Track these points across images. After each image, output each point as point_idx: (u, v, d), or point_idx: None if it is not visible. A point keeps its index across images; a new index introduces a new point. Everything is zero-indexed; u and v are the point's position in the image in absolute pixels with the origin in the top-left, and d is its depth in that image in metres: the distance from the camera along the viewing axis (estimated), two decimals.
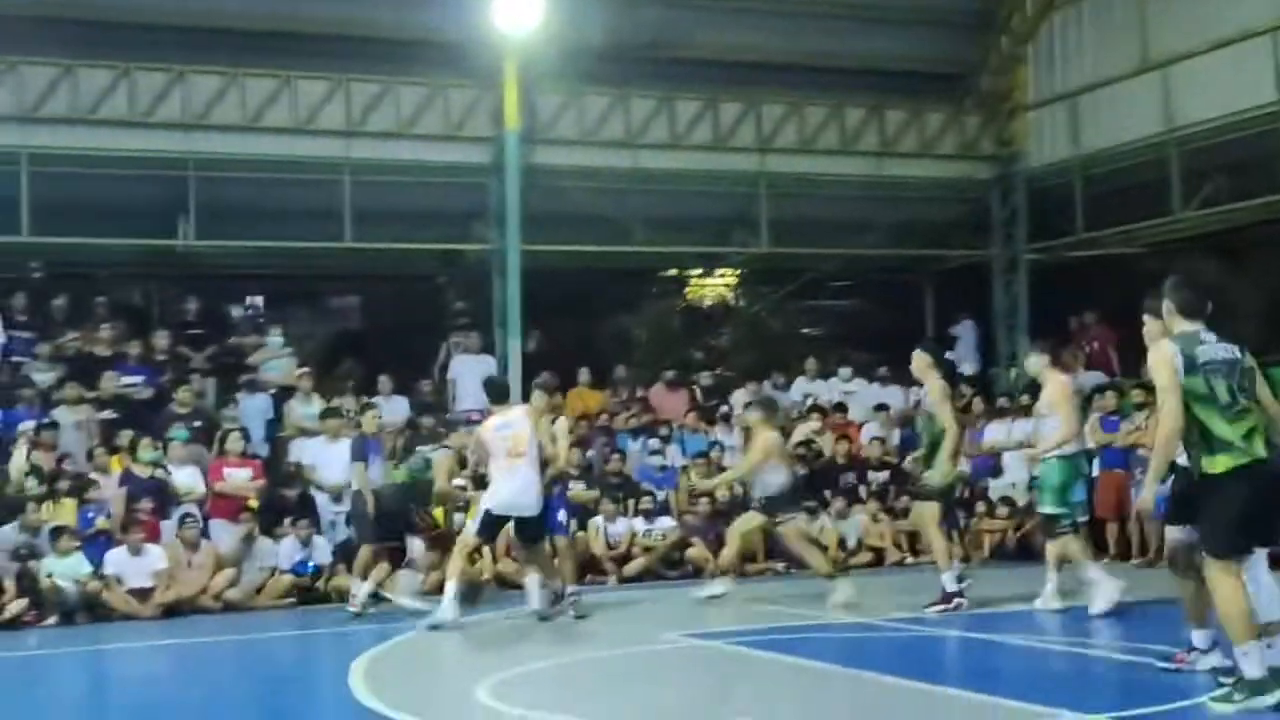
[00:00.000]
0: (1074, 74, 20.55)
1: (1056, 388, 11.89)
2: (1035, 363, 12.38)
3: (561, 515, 13.18)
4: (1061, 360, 12.69)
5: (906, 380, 19.74)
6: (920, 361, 12.32)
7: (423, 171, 18.72)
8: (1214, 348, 7.44)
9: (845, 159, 20.78)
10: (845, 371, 19.72)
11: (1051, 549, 11.87)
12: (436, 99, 18.87)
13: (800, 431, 18.10)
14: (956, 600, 11.80)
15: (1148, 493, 7.81)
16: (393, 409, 17.29)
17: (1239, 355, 7.51)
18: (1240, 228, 19.22)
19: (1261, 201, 18.21)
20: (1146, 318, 8.39)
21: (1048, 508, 11.88)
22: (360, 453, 14.04)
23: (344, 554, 14.58)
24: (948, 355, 21.16)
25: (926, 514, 12.36)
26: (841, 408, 18.83)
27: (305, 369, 17.52)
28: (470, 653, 10.98)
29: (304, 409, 16.78)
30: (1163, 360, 7.40)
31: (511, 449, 12.07)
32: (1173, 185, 18.81)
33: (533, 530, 12.44)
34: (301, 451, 16.21)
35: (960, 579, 12.01)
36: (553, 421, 13.29)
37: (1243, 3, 17.79)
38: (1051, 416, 11.86)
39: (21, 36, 16.68)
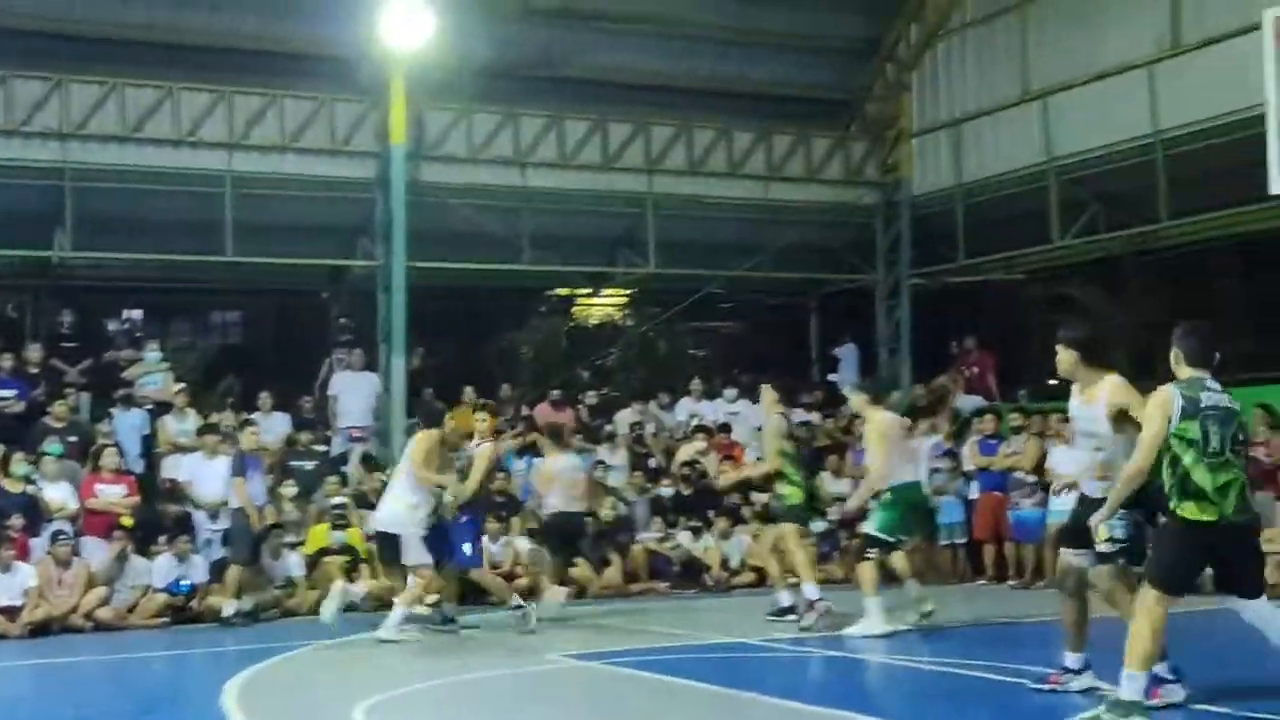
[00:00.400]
0: (957, 102, 20.90)
1: (873, 426, 12.02)
2: (855, 400, 12.52)
3: (466, 547, 12.64)
4: (882, 398, 12.76)
5: (790, 402, 19.92)
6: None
7: (307, 186, 18.51)
8: (1217, 395, 7.63)
9: (733, 182, 20.93)
10: (730, 393, 19.79)
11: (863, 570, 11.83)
12: (322, 113, 18.67)
13: (685, 452, 18.14)
14: (820, 604, 11.90)
15: (1104, 513, 7.91)
16: (272, 426, 17.04)
17: (1236, 407, 7.73)
18: (1117, 256, 19.68)
19: (1137, 231, 18.66)
20: (1061, 348, 8.46)
21: (868, 528, 12.00)
22: (239, 469, 13.82)
23: (219, 572, 14.29)
24: (830, 377, 21.47)
25: (787, 533, 12.46)
26: (726, 428, 18.88)
27: (182, 385, 17.18)
28: (350, 673, 10.80)
29: (180, 425, 16.45)
30: (1161, 403, 7.56)
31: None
32: (1052, 214, 19.17)
33: (389, 550, 12.32)
34: (177, 468, 15.89)
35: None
36: (476, 445, 12.94)
37: (1121, 36, 18.21)
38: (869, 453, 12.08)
39: None
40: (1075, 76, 18.83)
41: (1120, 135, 18.21)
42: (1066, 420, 16.04)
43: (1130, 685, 7.37)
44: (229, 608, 13.66)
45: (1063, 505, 15.79)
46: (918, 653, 11.06)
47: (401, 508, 12.19)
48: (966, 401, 19.44)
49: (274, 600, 14.33)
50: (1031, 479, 16.14)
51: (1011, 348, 21.05)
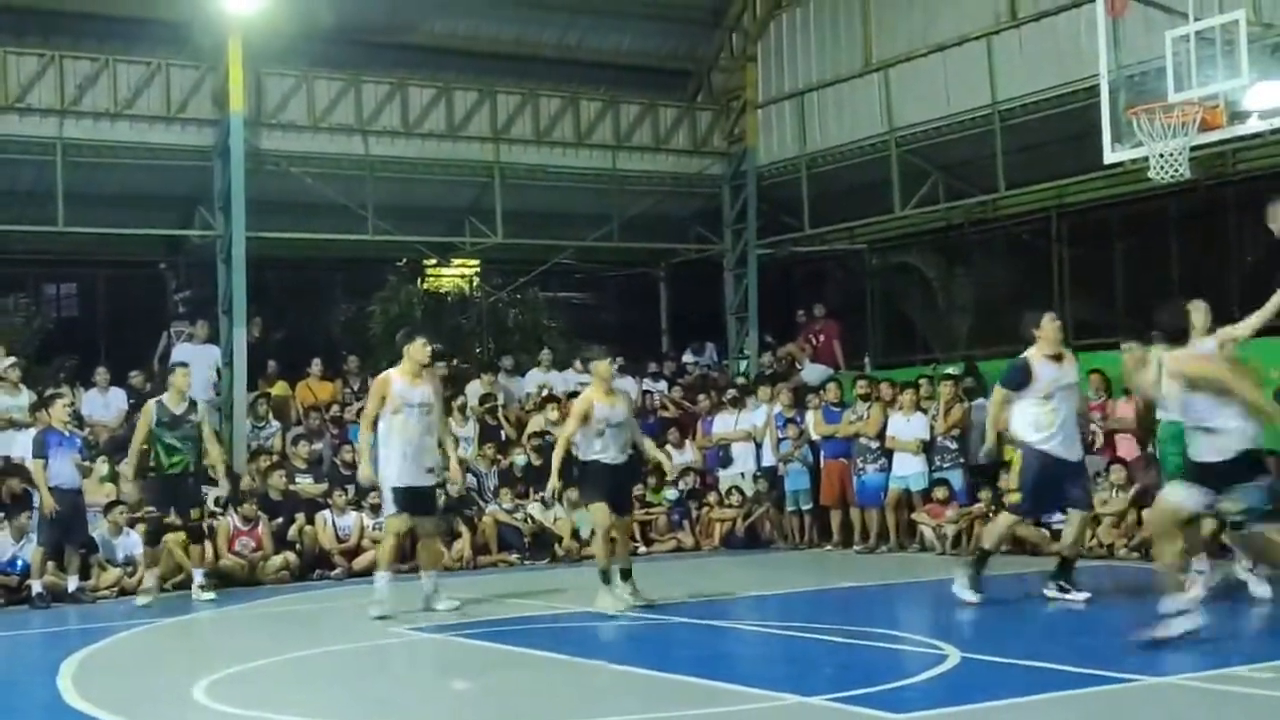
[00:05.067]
0: (801, 73, 21.06)
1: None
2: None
3: None
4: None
5: (639, 372, 20.02)
6: None
7: (142, 154, 18.00)
8: None
9: (581, 151, 20.87)
10: (580, 363, 19.77)
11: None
12: (157, 78, 18.14)
13: (535, 422, 18.09)
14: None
15: None
16: (111, 401, 16.59)
17: None
18: (956, 225, 20.08)
19: (976, 200, 19.05)
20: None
21: None
22: (40, 449, 13.31)
23: (54, 551, 13.86)
24: (687, 358, 21.57)
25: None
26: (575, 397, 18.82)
27: (13, 359, 16.61)
28: (190, 650, 10.58)
29: (13, 401, 15.91)
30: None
31: None
32: (894, 184, 19.46)
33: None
34: (11, 445, 15.38)
35: None
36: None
37: (960, 9, 18.51)
38: None
39: None
40: (915, 49, 19.10)
41: (959, 107, 18.53)
42: (907, 388, 16.51)
43: None
44: (37, 585, 13.16)
45: (905, 470, 16.17)
46: (768, 618, 11.18)
47: None
48: (813, 370, 19.68)
49: (115, 579, 13.96)
50: (875, 445, 16.41)
51: (856, 316, 21.37)
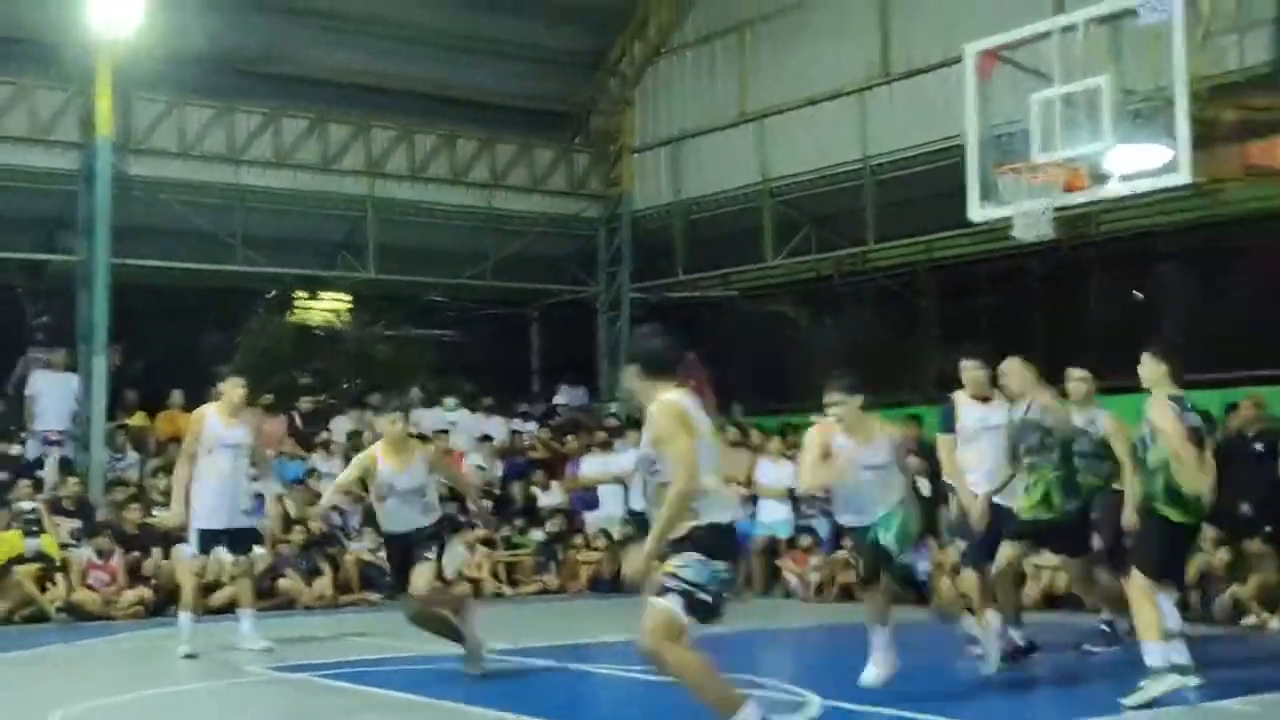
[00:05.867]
0: (677, 120, 21.25)
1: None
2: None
3: None
4: None
5: (509, 412, 19.93)
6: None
7: (5, 175, 17.54)
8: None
9: (456, 189, 20.80)
10: (450, 401, 19.66)
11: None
12: (22, 99, 17.73)
13: None
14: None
15: None
16: None
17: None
18: (826, 276, 20.34)
19: (845, 253, 19.34)
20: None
21: None
22: None
23: None
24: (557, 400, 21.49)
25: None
26: (444, 436, 18.71)
27: None
28: (37, 685, 10.24)
29: None
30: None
31: None
32: (766, 233, 19.67)
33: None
34: None
35: None
36: None
37: (834, 62, 18.79)
38: None
39: None
40: (789, 101, 19.37)
41: (831, 159, 18.81)
42: (775, 435, 16.63)
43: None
44: None
45: (772, 517, 16.28)
46: (629, 662, 11.13)
47: None
48: None
49: None
50: (743, 491, 16.50)
51: (726, 363, 21.49)
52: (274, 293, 20.78)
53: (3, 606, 13.87)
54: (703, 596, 6.26)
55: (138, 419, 17.99)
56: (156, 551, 15.12)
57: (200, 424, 11.34)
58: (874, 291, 20.34)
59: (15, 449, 16.86)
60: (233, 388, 11.40)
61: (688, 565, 6.24)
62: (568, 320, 22.95)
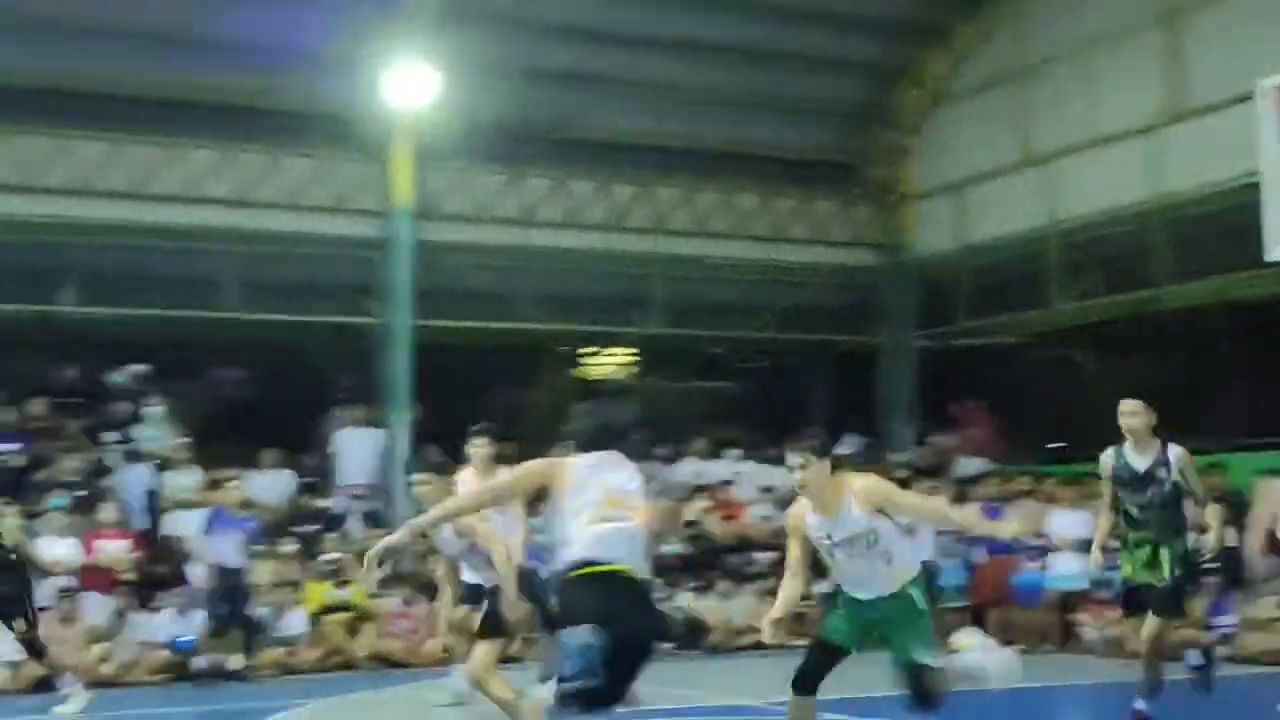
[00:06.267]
0: (959, 166, 20.99)
1: None
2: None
3: None
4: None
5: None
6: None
7: (308, 244, 18.57)
8: None
9: (737, 243, 21.00)
10: (734, 452, 19.80)
11: None
12: (323, 172, 18.78)
13: (689, 511, 18.11)
14: None
15: None
16: (275, 484, 17.04)
17: None
18: (1112, 321, 19.73)
19: (1134, 296, 18.71)
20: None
21: None
22: (208, 526, 13.71)
23: (218, 630, 14.23)
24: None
25: None
26: (728, 487, 18.88)
27: (185, 439, 17.18)
28: None
29: (183, 480, 16.44)
30: None
31: None
32: (1051, 277, 19.24)
33: None
34: (178, 524, 15.87)
35: None
36: None
37: (1121, 101, 18.30)
38: None
39: None
40: (1075, 142, 18.93)
41: (1120, 200, 18.29)
42: (1069, 483, 16.15)
43: None
44: (200, 662, 13.48)
45: (1065, 570, 15.81)
46: None
47: None
48: (969, 463, 19.43)
49: (274, 658, 14.28)
50: (1035, 543, 16.09)
51: (1012, 410, 21.06)
52: (560, 349, 21.33)
53: (314, 655, 14.59)
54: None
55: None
56: None
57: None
58: (1165, 334, 19.62)
59: (322, 502, 17.71)
60: (476, 447, 11.13)
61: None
62: (850, 370, 22.84)
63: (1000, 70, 20.29)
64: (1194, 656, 9.62)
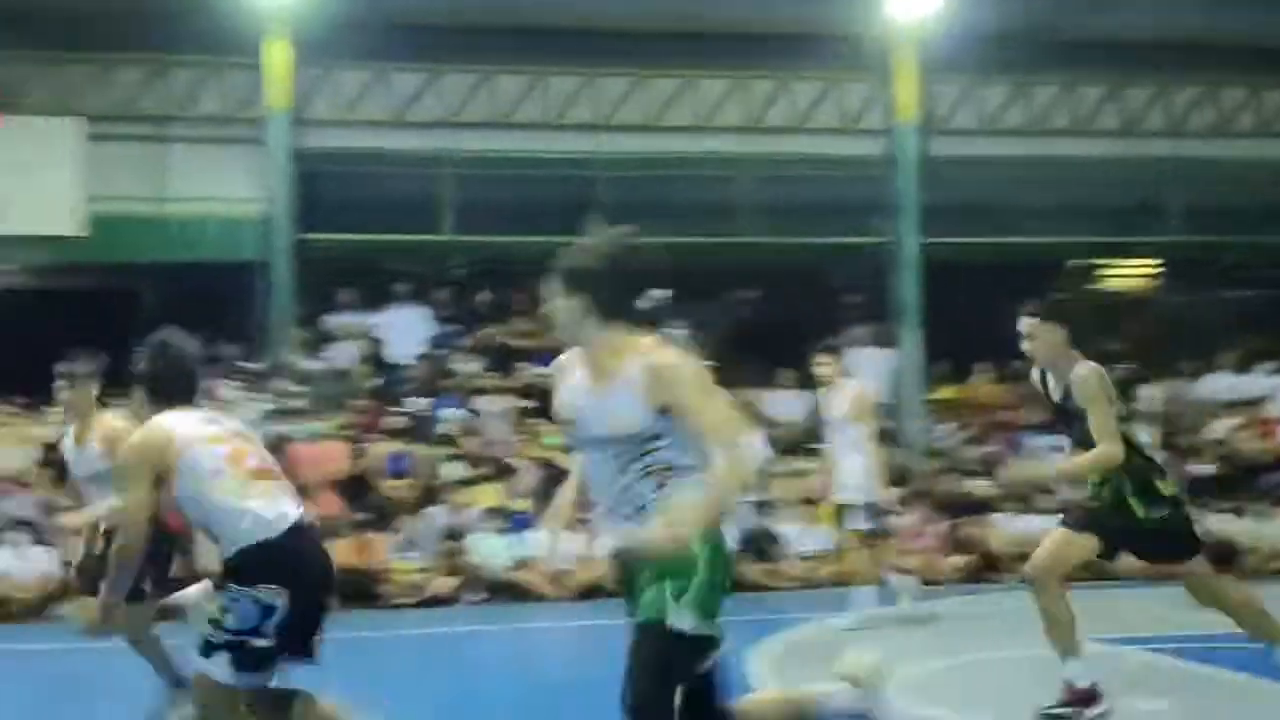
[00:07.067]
0: None
1: None
2: None
3: None
4: None
5: None
6: None
7: (817, 165, 18.82)
8: None
9: (1266, 142, 19.66)
10: (1268, 365, 18.64)
11: None
12: (830, 92, 18.94)
13: (1216, 429, 17.25)
14: None
15: None
16: (792, 403, 17.49)
17: None
18: None
19: None
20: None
21: None
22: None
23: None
24: None
25: None
26: (1262, 403, 17.83)
27: (708, 362, 17.84)
28: (882, 645, 10.87)
29: None
30: None
31: None
32: None
33: None
34: None
35: None
36: None
37: None
38: None
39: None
40: None
41: None
42: None
43: None
44: None
45: None
46: None
47: None
48: None
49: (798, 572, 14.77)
50: None
51: None
52: (1074, 262, 20.69)
53: (834, 569, 14.89)
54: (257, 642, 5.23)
55: (947, 392, 18.65)
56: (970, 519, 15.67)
57: None
58: None
59: None
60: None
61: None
62: None
63: None
64: None
